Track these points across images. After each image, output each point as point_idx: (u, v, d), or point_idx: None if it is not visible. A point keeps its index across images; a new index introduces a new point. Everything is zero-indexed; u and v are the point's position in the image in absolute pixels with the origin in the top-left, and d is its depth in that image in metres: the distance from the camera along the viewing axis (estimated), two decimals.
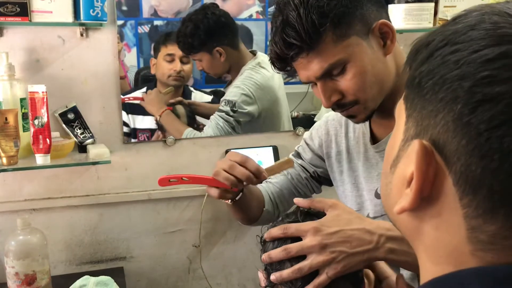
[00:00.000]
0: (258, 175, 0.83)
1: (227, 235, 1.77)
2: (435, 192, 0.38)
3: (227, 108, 1.66)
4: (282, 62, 0.86)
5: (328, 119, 1.07)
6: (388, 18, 0.86)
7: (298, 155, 1.12)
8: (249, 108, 1.68)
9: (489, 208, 0.35)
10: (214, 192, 0.88)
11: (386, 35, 0.85)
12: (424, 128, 0.38)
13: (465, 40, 0.36)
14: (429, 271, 0.41)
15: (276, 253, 0.71)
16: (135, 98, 1.62)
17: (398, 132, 0.42)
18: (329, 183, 1.10)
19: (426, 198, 0.38)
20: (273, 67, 0.88)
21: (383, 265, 0.74)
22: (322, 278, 0.69)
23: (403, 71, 0.42)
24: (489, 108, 0.34)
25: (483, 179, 0.34)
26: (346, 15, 0.80)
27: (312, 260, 0.70)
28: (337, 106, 0.87)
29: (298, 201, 0.76)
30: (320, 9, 0.78)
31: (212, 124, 1.67)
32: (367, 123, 0.97)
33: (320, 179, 1.10)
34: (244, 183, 0.90)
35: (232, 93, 1.67)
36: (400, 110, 0.42)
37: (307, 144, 1.10)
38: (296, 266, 0.70)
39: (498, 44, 0.34)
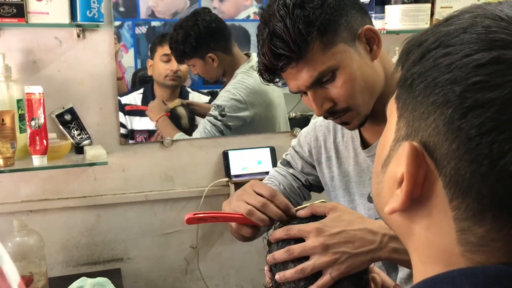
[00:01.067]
0: (286, 212, 0.79)
1: (225, 236, 1.77)
2: (426, 193, 0.38)
3: (216, 113, 1.67)
4: (271, 73, 0.86)
5: (315, 125, 1.07)
6: (372, 24, 0.87)
7: (287, 163, 1.10)
8: (240, 114, 1.68)
9: (478, 211, 0.35)
10: (247, 231, 0.82)
11: (372, 41, 0.85)
12: (415, 129, 0.38)
13: (457, 43, 0.36)
14: (420, 271, 0.41)
15: (280, 254, 0.72)
16: (138, 107, 1.62)
17: (389, 131, 0.43)
18: (319, 189, 1.10)
19: (416, 199, 0.39)
20: (262, 79, 0.88)
21: (383, 276, 0.74)
22: (325, 278, 0.69)
23: (394, 69, 0.42)
24: (479, 114, 0.34)
25: (472, 183, 0.35)
26: (332, 22, 0.80)
27: (315, 261, 0.70)
28: (329, 114, 0.87)
29: (300, 213, 0.77)
30: (306, 19, 0.78)
31: (200, 128, 1.68)
32: None
33: (312, 187, 1.09)
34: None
35: (222, 97, 1.67)
36: (392, 109, 0.43)
37: (296, 152, 1.09)
38: (299, 267, 0.70)
39: (489, 49, 0.35)
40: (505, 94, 0.33)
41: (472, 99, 0.34)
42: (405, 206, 0.39)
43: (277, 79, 0.87)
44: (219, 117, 1.67)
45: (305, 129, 1.10)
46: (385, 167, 0.42)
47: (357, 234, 0.72)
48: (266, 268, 0.77)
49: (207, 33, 1.61)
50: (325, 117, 0.89)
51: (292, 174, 1.08)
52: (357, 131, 0.98)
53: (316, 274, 0.70)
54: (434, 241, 0.39)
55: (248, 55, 1.68)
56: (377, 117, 0.89)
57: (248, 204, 0.78)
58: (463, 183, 0.35)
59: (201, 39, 1.61)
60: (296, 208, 0.82)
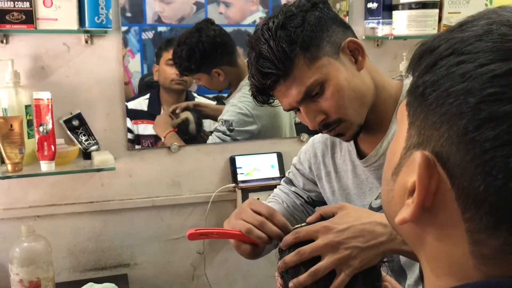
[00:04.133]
0: (284, 231, 0.80)
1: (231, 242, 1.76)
2: (437, 204, 0.37)
3: (224, 128, 1.66)
4: (263, 93, 0.89)
5: (314, 141, 1.09)
6: (355, 36, 0.90)
7: (290, 182, 1.11)
8: (248, 127, 1.68)
9: (492, 224, 0.34)
10: (245, 249, 0.83)
11: (356, 52, 0.88)
12: (426, 138, 0.37)
13: (471, 51, 0.35)
14: (432, 283, 0.40)
15: (290, 257, 0.72)
16: (147, 122, 1.62)
17: (400, 138, 0.42)
18: (323, 205, 1.10)
19: (428, 209, 0.38)
20: (256, 101, 0.92)
21: (395, 284, 0.74)
22: (340, 278, 0.69)
23: (405, 74, 0.42)
24: (494, 127, 0.33)
25: (486, 196, 0.34)
26: (313, 38, 0.84)
27: (327, 260, 0.69)
28: (323, 127, 0.89)
29: (310, 219, 0.78)
30: (288, 38, 0.82)
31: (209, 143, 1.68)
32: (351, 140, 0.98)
33: (315, 203, 1.10)
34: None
35: (229, 112, 1.67)
36: (402, 115, 0.42)
37: (297, 169, 1.10)
38: (312, 269, 0.69)
39: (505, 59, 0.34)
40: None
41: (487, 111, 0.33)
42: (416, 217, 0.38)
43: (271, 100, 0.91)
44: (228, 132, 1.67)
45: (304, 146, 1.13)
46: (396, 175, 0.42)
47: (366, 228, 0.71)
48: (276, 274, 0.76)
49: (212, 49, 1.60)
50: (320, 131, 0.91)
51: (294, 192, 1.10)
52: (352, 143, 0.99)
53: (331, 276, 0.69)
54: (446, 252, 0.38)
55: None
56: (370, 127, 0.91)
57: (247, 222, 0.80)
58: (476, 195, 0.34)
59: (206, 55, 1.60)
60: (293, 227, 0.82)
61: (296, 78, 0.84)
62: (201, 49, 1.59)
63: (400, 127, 0.42)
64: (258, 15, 1.69)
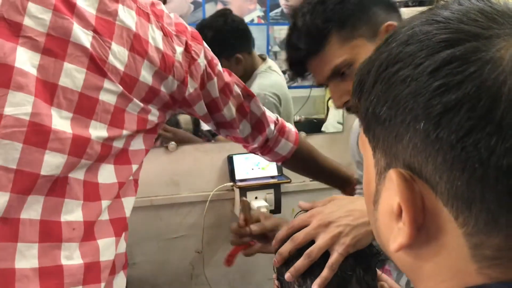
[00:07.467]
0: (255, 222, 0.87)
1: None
2: (428, 218, 0.35)
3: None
4: (297, 66, 0.89)
5: (352, 131, 1.14)
6: (400, 20, 0.87)
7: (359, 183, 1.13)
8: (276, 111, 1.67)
9: (489, 220, 0.33)
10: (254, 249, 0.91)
11: None
12: (394, 155, 0.36)
13: (404, 57, 0.35)
14: None
15: (285, 246, 0.72)
16: None
17: (369, 167, 0.41)
18: None
19: (421, 227, 0.36)
20: (292, 73, 0.92)
21: (392, 283, 0.73)
22: (334, 256, 0.69)
23: (352, 102, 0.42)
24: (452, 117, 0.32)
25: (472, 192, 0.32)
26: (350, 17, 0.82)
27: (320, 240, 0.70)
28: (346, 109, 0.88)
29: (301, 204, 0.79)
30: (324, 14, 0.82)
31: None
32: None
33: None
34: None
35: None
36: (364, 144, 0.41)
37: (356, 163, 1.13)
38: (307, 251, 0.69)
39: (437, 52, 0.33)
40: (469, 90, 0.32)
41: (440, 105, 0.32)
42: (412, 238, 0.36)
43: (307, 73, 0.90)
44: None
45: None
46: (377, 204, 0.40)
47: (357, 207, 0.73)
48: (274, 276, 0.76)
49: (236, 34, 1.61)
50: (347, 110, 0.90)
51: None
52: None
53: (326, 259, 0.69)
54: (446, 265, 0.36)
55: (263, 57, 1.68)
56: None
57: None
58: (463, 194, 0.33)
59: (232, 39, 1.60)
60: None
61: (326, 55, 0.83)
62: (228, 32, 1.59)
63: (365, 156, 0.41)
64: (256, 13, 1.68)
